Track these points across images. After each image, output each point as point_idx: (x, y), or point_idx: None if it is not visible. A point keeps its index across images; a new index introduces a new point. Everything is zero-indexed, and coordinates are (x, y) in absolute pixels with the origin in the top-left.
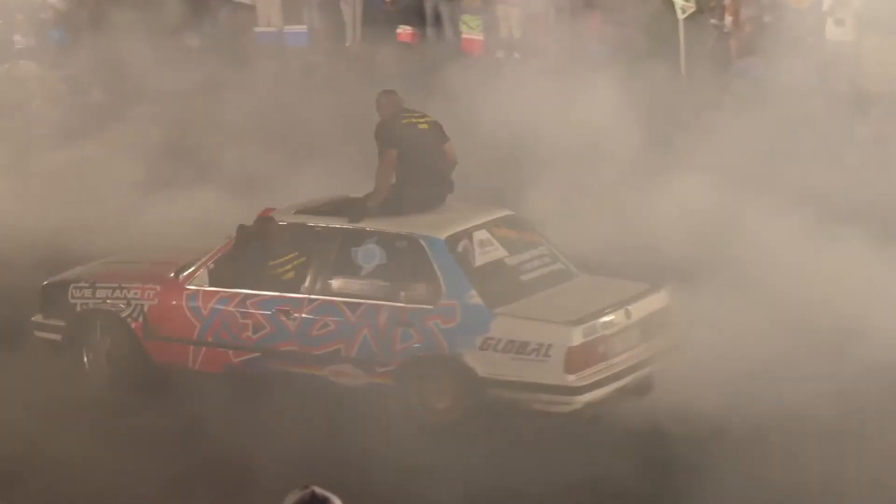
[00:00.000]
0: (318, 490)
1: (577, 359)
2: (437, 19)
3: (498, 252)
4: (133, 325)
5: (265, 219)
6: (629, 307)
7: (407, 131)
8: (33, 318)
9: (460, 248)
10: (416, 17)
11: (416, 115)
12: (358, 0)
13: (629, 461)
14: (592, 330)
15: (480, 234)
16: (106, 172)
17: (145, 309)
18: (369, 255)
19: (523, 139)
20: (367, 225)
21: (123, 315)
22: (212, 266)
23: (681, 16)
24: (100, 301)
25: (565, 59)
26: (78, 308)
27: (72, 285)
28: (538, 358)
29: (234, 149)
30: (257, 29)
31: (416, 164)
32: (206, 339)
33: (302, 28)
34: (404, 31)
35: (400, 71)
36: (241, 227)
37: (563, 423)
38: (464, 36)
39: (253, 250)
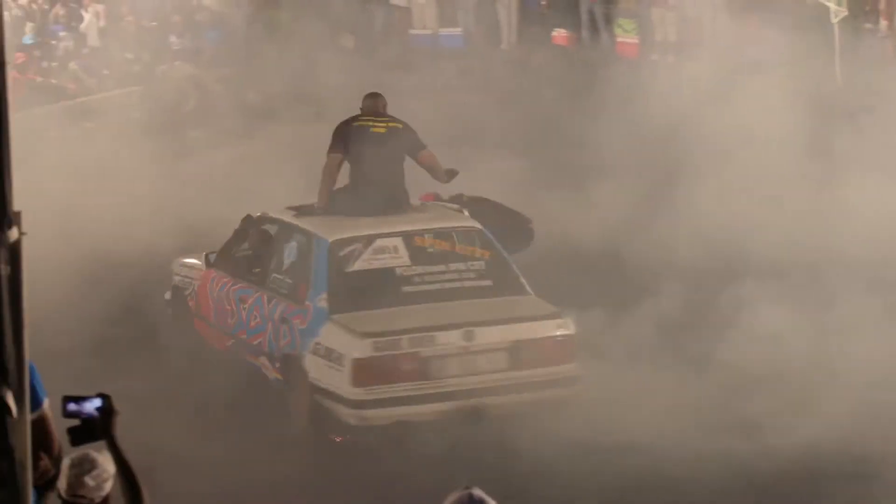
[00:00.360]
0: (476, 492)
1: (366, 372)
2: (593, 22)
3: (394, 261)
4: (190, 303)
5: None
6: (473, 330)
7: (357, 134)
8: (165, 296)
9: (345, 251)
10: (572, 19)
11: (377, 118)
12: (514, 2)
13: None
14: (391, 346)
15: (387, 242)
16: (261, 172)
17: (195, 288)
18: (290, 251)
19: (682, 141)
20: (296, 221)
21: (186, 293)
22: (222, 253)
23: (834, 20)
24: (181, 278)
25: (721, 62)
26: (173, 283)
27: (176, 262)
28: (336, 367)
29: None
30: (412, 31)
31: (360, 168)
32: (216, 322)
33: (457, 31)
34: (559, 33)
35: (555, 73)
36: (247, 218)
37: None
38: (619, 39)
39: (242, 241)
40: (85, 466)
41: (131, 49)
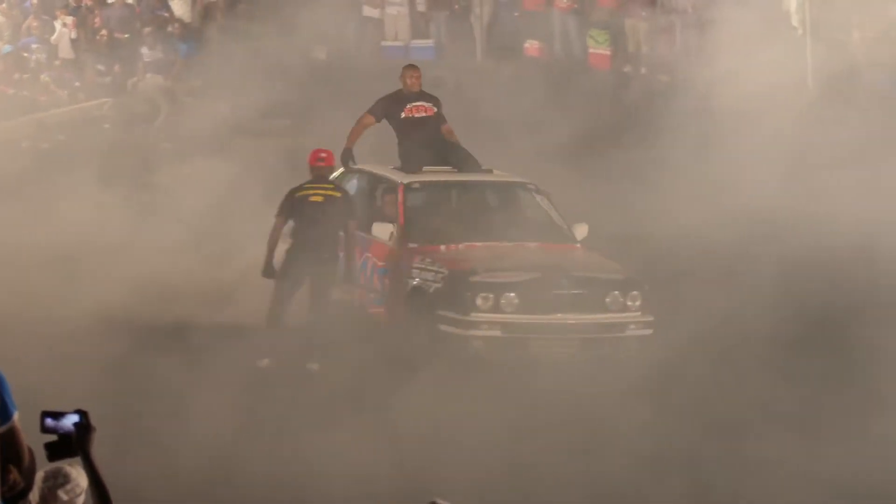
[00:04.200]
0: (440, 502)
1: None
2: (565, 33)
3: None
4: None
5: None
6: None
7: None
8: None
9: None
10: (544, 31)
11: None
12: (486, 14)
13: None
14: None
15: None
16: (231, 185)
17: None
18: None
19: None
20: None
21: None
22: None
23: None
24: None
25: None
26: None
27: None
28: None
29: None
30: (384, 43)
31: None
32: None
33: (429, 42)
34: (532, 44)
35: (527, 85)
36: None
37: None
38: (591, 50)
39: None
40: (59, 480)
41: (103, 61)
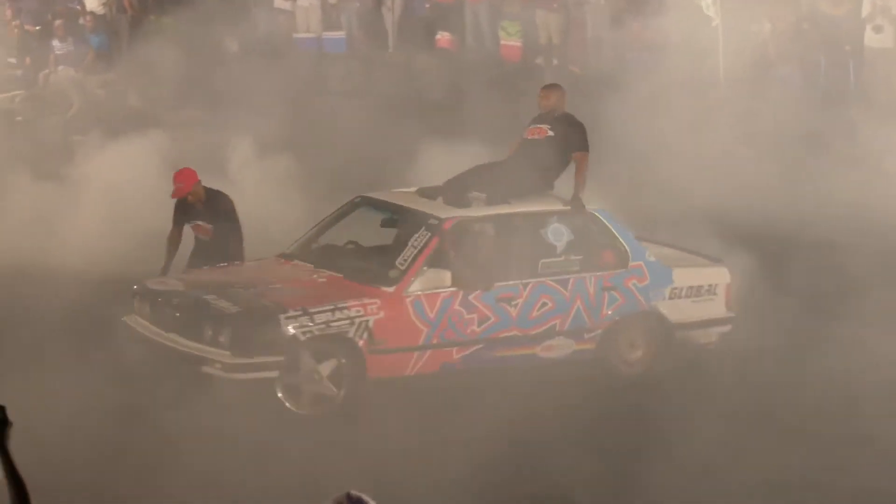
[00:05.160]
0: (354, 492)
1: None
2: (477, 25)
3: None
4: (361, 343)
5: None
6: None
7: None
8: None
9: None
10: (456, 23)
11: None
12: (398, 5)
13: None
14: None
15: None
16: (143, 179)
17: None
18: (556, 233)
19: None
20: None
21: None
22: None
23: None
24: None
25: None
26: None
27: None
28: (708, 297)
29: (274, 156)
30: (296, 35)
31: None
32: (432, 341)
33: (340, 34)
34: (443, 36)
35: (438, 77)
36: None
37: None
38: (502, 42)
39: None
40: None
41: (14, 53)
